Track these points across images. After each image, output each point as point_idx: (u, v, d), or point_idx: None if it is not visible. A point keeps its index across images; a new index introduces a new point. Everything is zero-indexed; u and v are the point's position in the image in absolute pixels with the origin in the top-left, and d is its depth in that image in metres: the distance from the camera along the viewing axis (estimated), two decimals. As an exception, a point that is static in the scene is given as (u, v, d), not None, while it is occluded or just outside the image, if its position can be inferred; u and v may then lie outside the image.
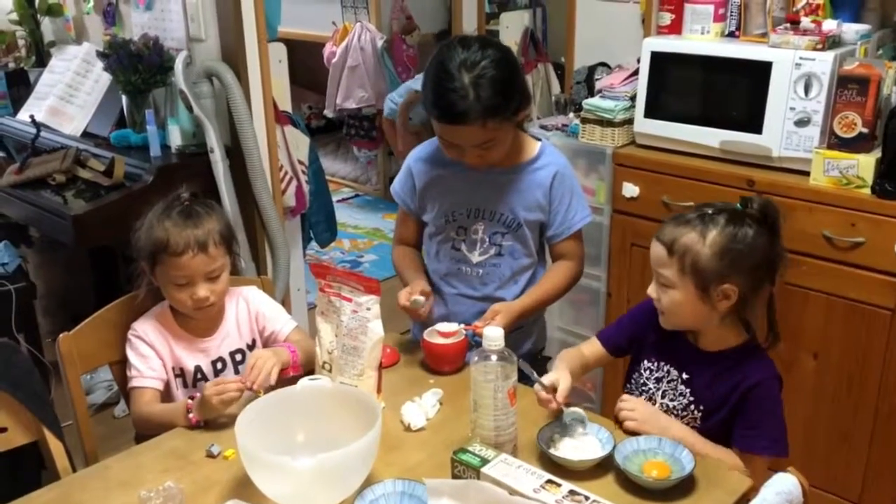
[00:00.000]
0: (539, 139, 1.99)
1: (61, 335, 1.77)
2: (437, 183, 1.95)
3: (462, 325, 1.82)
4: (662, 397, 1.65)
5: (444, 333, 1.80)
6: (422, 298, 1.85)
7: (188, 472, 1.51)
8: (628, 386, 1.74)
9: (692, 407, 1.61)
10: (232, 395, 1.61)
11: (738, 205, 1.59)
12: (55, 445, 1.67)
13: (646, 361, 1.70)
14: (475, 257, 1.94)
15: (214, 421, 1.65)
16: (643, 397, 1.67)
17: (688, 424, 1.60)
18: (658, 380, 1.67)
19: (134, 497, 1.42)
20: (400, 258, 2.06)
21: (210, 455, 1.55)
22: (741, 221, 1.55)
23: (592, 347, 1.78)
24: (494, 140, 1.78)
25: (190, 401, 1.65)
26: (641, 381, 1.70)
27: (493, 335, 1.49)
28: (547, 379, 1.60)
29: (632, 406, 1.60)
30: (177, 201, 1.78)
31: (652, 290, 1.62)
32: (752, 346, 1.63)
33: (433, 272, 2.01)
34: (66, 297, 3.53)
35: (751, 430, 1.56)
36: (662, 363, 1.67)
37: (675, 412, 1.62)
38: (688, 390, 1.62)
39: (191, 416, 1.64)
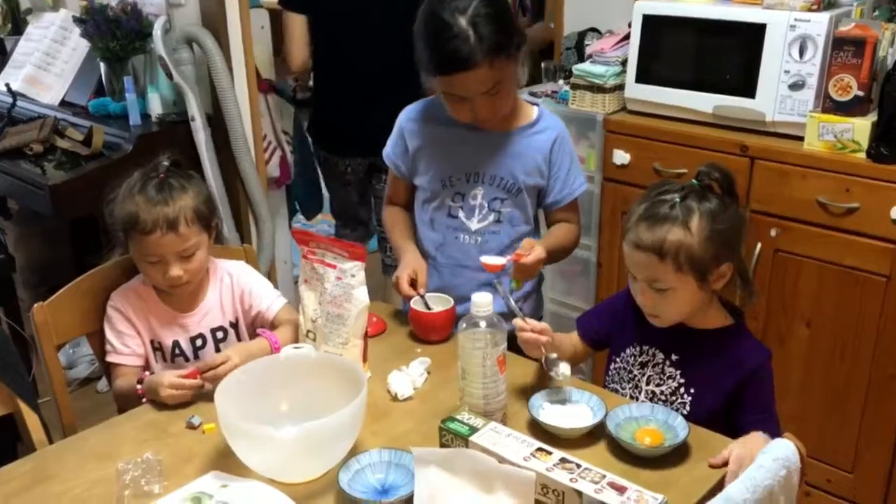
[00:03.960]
0: (536, 104, 1.94)
1: (35, 305, 1.72)
2: (431, 144, 1.88)
3: (507, 258, 1.72)
4: (648, 383, 1.59)
5: (489, 266, 1.72)
6: (420, 295, 1.80)
7: (167, 443, 1.47)
8: (607, 378, 1.68)
9: (681, 390, 1.55)
10: (185, 396, 1.58)
11: (695, 180, 1.52)
12: (31, 418, 1.62)
13: (629, 349, 1.63)
14: (474, 224, 1.88)
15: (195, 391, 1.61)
16: (629, 384, 1.62)
17: (676, 411, 1.51)
18: (643, 364, 1.60)
19: (112, 469, 1.38)
20: (391, 220, 2.01)
21: (190, 426, 1.51)
22: (708, 197, 1.49)
23: (577, 338, 1.72)
24: (502, 83, 1.72)
25: (141, 382, 1.61)
26: (627, 368, 1.63)
27: (482, 301, 1.44)
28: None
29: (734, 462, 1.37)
30: (154, 172, 1.70)
31: (645, 299, 1.52)
32: (740, 326, 1.58)
33: (428, 241, 1.94)
34: (46, 270, 3.47)
35: (763, 412, 1.50)
36: (646, 346, 1.60)
37: (663, 397, 1.56)
38: (677, 372, 1.55)
39: (139, 387, 1.61)
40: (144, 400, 1.61)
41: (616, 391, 1.64)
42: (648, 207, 1.50)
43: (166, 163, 1.73)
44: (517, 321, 1.56)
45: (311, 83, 5.38)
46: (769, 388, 1.54)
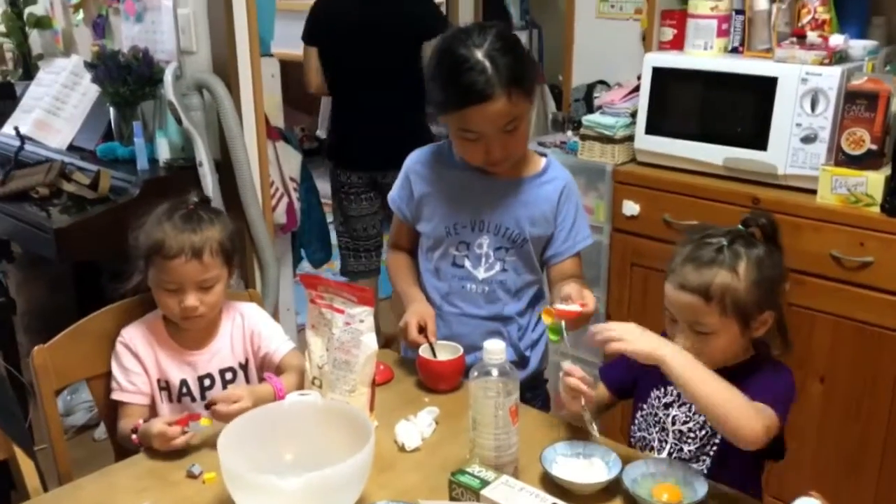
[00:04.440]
0: (544, 154, 1.91)
1: (36, 348, 1.68)
2: (437, 190, 1.85)
3: (572, 306, 1.57)
4: (674, 423, 1.55)
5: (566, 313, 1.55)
6: (429, 343, 1.75)
7: (166, 492, 1.42)
8: (633, 427, 1.64)
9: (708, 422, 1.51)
10: (173, 447, 1.52)
11: (741, 226, 1.51)
12: (26, 464, 1.57)
13: (653, 391, 1.60)
14: (481, 273, 1.83)
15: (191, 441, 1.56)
16: (656, 428, 1.58)
17: (707, 443, 1.50)
18: (668, 405, 1.57)
19: (107, 519, 1.33)
20: (395, 265, 1.97)
21: (191, 475, 1.46)
22: (755, 243, 1.49)
23: (603, 389, 1.67)
24: (518, 119, 1.68)
25: (135, 431, 1.57)
26: (653, 413, 1.59)
27: (494, 349, 1.41)
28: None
29: (607, 326, 1.42)
30: (183, 204, 1.71)
31: (683, 341, 1.48)
32: (767, 356, 1.55)
33: (433, 290, 1.88)
34: (48, 316, 3.42)
35: (756, 389, 1.43)
36: (671, 388, 1.56)
37: (692, 434, 1.52)
38: None
39: (134, 436, 1.57)
40: (142, 448, 1.56)
41: (644, 439, 1.60)
42: (694, 249, 1.48)
43: (195, 199, 1.74)
44: (568, 365, 1.49)
45: (318, 133, 5.47)
46: (769, 379, 1.47)
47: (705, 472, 1.47)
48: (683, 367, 1.37)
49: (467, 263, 1.84)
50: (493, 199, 1.81)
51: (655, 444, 1.57)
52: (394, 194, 1.93)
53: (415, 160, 1.90)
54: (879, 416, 2.26)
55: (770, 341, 1.55)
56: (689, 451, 1.52)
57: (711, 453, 1.50)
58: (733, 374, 1.49)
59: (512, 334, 1.85)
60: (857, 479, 2.32)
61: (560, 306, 1.57)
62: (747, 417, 1.35)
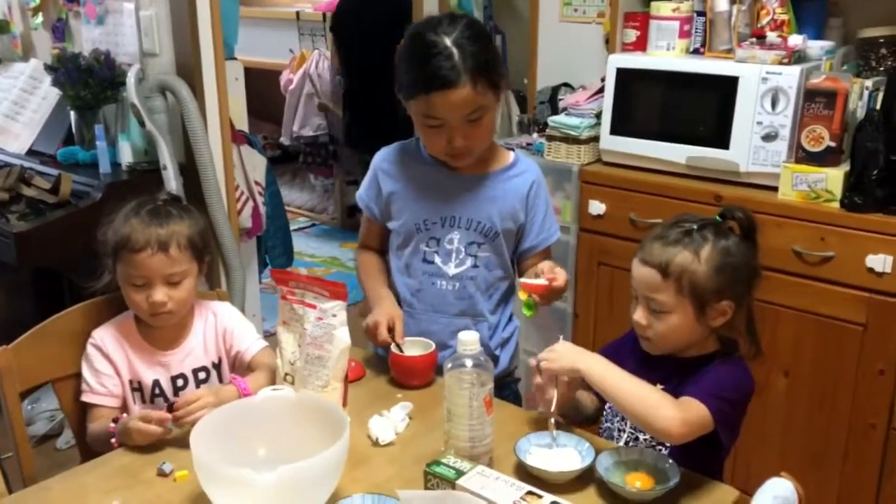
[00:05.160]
0: (512, 149, 1.92)
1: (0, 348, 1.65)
2: (406, 187, 1.85)
3: (541, 280, 1.65)
4: None
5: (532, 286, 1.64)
6: (396, 344, 1.75)
7: (137, 492, 1.40)
8: (602, 418, 1.66)
9: None
10: (153, 435, 1.50)
11: (718, 217, 1.54)
12: (-10, 467, 1.53)
13: None
14: (451, 269, 1.83)
15: (166, 436, 1.53)
16: (617, 417, 1.60)
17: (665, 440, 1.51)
18: None
19: (76, 519, 1.30)
20: (364, 265, 1.95)
21: (161, 473, 1.43)
22: (727, 234, 1.51)
23: (586, 395, 1.68)
24: (483, 110, 1.69)
25: (116, 422, 1.55)
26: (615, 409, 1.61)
27: (468, 339, 1.41)
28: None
29: (550, 348, 1.50)
30: (152, 201, 1.70)
31: (640, 317, 1.52)
32: (732, 354, 1.57)
33: (404, 287, 1.87)
34: (8, 325, 3.34)
35: (692, 384, 1.46)
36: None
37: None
38: None
39: (112, 440, 1.54)
40: (115, 443, 1.53)
41: (609, 429, 1.61)
42: (664, 229, 1.52)
43: (165, 196, 1.73)
44: (534, 361, 1.52)
45: (281, 140, 5.44)
46: (712, 371, 1.48)
47: None
48: (601, 374, 1.44)
49: (437, 259, 1.83)
50: (461, 193, 1.81)
51: (615, 433, 1.59)
52: (361, 193, 1.92)
53: (382, 158, 1.90)
54: (842, 407, 2.30)
55: (739, 341, 1.57)
56: (645, 439, 1.54)
57: (667, 443, 1.51)
58: (692, 365, 1.52)
59: (482, 332, 1.84)
60: (821, 470, 2.36)
61: (527, 280, 1.64)
62: (662, 411, 1.39)
